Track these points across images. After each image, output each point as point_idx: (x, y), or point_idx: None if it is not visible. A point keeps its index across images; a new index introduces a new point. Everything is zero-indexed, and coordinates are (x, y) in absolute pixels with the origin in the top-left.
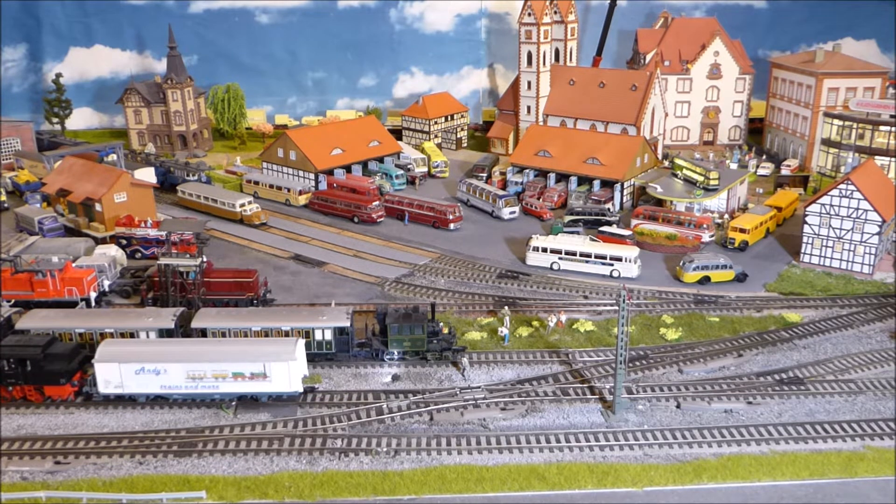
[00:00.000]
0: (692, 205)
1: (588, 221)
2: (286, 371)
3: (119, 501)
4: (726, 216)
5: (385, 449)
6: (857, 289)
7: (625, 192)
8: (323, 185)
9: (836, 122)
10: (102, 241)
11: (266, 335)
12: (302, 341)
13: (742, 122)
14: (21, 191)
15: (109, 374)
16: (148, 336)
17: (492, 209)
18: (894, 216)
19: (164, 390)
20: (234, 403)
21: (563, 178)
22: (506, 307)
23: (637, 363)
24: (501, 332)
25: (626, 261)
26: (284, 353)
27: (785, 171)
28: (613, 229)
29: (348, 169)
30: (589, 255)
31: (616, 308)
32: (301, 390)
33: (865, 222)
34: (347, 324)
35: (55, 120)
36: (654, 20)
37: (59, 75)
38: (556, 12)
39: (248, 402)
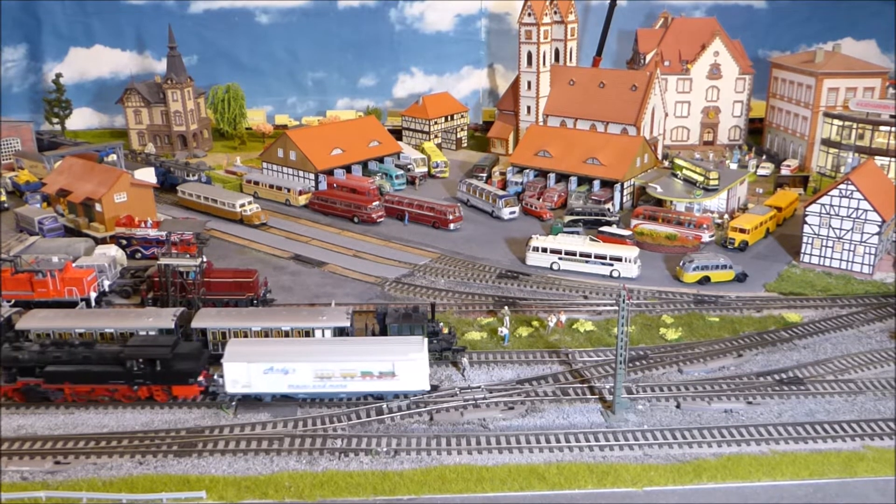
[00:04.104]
0: (692, 205)
1: (588, 221)
2: (414, 369)
3: (119, 501)
4: (726, 216)
5: (385, 449)
6: (856, 289)
7: (625, 192)
8: (323, 185)
9: (836, 122)
10: (102, 241)
11: (266, 335)
12: (426, 340)
13: (742, 123)
14: (21, 191)
15: (237, 374)
16: (148, 335)
17: (492, 209)
18: (894, 216)
19: (291, 390)
20: (234, 403)
21: (563, 178)
22: (506, 307)
23: (637, 363)
24: (501, 332)
25: (625, 261)
26: (412, 351)
27: (785, 171)
28: (613, 229)
29: (348, 169)
30: (589, 256)
31: (616, 308)
32: (428, 388)
33: (865, 222)
34: (347, 324)
35: (55, 120)
36: (654, 20)
37: (59, 75)
38: (556, 12)
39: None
